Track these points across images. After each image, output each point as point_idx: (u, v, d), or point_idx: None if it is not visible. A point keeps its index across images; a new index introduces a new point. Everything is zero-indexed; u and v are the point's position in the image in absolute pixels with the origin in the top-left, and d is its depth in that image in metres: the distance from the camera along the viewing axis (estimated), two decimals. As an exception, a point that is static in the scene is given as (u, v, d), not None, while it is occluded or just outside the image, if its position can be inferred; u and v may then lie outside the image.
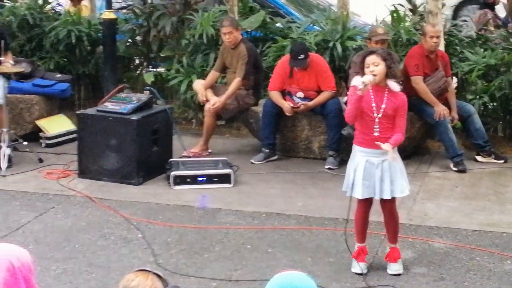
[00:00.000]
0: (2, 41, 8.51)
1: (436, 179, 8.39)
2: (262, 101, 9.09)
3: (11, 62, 8.83)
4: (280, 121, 8.86)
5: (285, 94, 8.82)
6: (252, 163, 8.77)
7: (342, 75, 9.30)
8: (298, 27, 9.86)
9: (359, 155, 5.95)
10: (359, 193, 5.96)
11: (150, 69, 10.71)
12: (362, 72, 5.85)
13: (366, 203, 6.05)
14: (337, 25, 9.57)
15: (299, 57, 8.56)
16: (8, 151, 8.39)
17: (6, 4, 10.97)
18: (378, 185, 5.89)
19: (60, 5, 12.71)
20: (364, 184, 5.90)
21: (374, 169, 5.88)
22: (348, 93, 6.54)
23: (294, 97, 8.76)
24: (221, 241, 6.74)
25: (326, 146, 8.77)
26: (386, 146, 5.78)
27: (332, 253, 6.50)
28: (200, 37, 9.75)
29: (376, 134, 5.85)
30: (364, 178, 5.89)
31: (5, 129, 8.45)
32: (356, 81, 5.86)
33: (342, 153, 8.52)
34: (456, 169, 8.53)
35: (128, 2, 11.87)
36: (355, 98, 5.78)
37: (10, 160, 8.47)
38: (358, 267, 6.11)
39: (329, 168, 8.54)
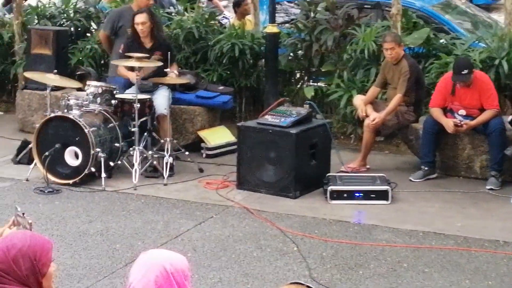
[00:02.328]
0: (169, 53, 8.76)
1: None
2: (422, 118, 8.96)
3: (176, 73, 9.08)
4: (440, 138, 8.70)
5: (446, 111, 8.65)
6: (410, 180, 8.64)
7: (507, 94, 9.03)
8: (463, 44, 9.65)
9: None
10: None
11: (311, 83, 10.75)
12: None
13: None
14: (503, 42, 9.31)
15: (463, 72, 8.37)
16: (170, 160, 8.62)
17: (174, 17, 11.27)
18: None
19: (227, 18, 12.96)
20: None
21: None
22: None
23: (455, 115, 8.58)
24: (377, 258, 6.68)
25: (488, 166, 8.53)
26: None
27: (492, 276, 6.31)
28: (362, 52, 9.70)
29: None
30: None
31: (168, 139, 8.69)
32: None
33: (504, 174, 8.27)
34: None
35: (291, 17, 11.96)
36: None
37: (172, 169, 8.70)
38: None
39: (491, 189, 8.29)
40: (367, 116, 8.94)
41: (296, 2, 11.57)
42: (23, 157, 9.06)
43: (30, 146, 8.78)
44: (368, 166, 9.02)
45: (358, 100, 9.17)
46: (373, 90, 9.14)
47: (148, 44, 9.09)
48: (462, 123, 8.49)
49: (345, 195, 8.00)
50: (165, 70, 8.83)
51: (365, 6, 11.53)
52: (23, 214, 4.19)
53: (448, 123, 8.50)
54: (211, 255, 6.72)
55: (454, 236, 7.14)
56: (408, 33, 9.84)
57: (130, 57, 8.67)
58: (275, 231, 7.27)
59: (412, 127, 9.03)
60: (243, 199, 8.10)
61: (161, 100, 8.90)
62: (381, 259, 6.67)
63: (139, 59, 8.57)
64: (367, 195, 8.00)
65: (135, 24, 9.06)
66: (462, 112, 8.55)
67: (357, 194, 8.01)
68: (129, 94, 8.89)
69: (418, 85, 8.95)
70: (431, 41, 9.90)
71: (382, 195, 7.99)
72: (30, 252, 3.38)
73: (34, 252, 3.38)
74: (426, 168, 8.69)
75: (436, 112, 8.63)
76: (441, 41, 10.04)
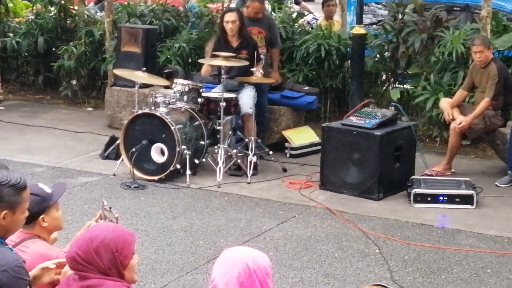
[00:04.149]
0: (255, 53, 8.82)
1: None
2: (510, 123, 8.81)
3: (261, 72, 9.12)
4: (529, 144, 8.56)
5: (535, 116, 8.51)
6: (496, 185, 8.51)
7: None
8: (554, 48, 9.47)
9: None
10: None
11: (397, 85, 10.68)
12: None
13: None
14: None
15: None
16: (254, 159, 8.68)
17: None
18: None
19: (316, 19, 12.97)
20: None
21: None
22: None
23: (545, 120, 8.44)
24: (460, 263, 6.61)
25: None
26: None
27: None
28: (450, 55, 9.60)
29: None
30: None
31: (252, 138, 8.75)
32: None
33: None
34: None
35: (379, 18, 11.90)
36: None
37: (256, 168, 8.76)
38: None
39: None
40: (453, 119, 8.84)
41: (384, 3, 11.52)
42: (110, 153, 9.25)
43: (117, 142, 8.95)
44: (453, 170, 8.92)
45: (445, 103, 9.07)
46: (460, 93, 9.03)
47: (234, 43, 9.14)
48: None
49: (429, 198, 7.93)
50: (251, 69, 8.88)
51: (454, 8, 11.41)
52: (110, 208, 4.29)
53: (536, 128, 8.36)
54: (292, 255, 6.75)
55: (540, 244, 7.03)
56: (497, 36, 9.70)
57: (217, 56, 8.76)
58: (357, 232, 7.26)
59: (500, 132, 8.89)
60: (326, 199, 8.11)
61: (247, 99, 8.95)
62: (464, 264, 6.60)
63: (225, 58, 8.64)
64: (451, 199, 7.92)
65: (224, 22, 9.10)
66: (552, 117, 8.41)
67: (441, 198, 7.93)
68: (215, 92, 8.98)
69: (507, 89, 8.81)
70: (521, 45, 9.74)
71: (466, 200, 7.90)
72: (112, 244, 3.46)
73: (116, 244, 3.47)
74: (513, 174, 8.56)
75: (524, 117, 8.50)
76: (531, 44, 9.86)
